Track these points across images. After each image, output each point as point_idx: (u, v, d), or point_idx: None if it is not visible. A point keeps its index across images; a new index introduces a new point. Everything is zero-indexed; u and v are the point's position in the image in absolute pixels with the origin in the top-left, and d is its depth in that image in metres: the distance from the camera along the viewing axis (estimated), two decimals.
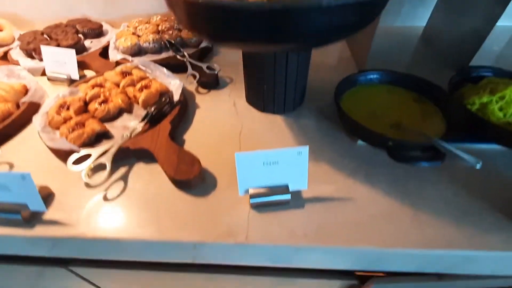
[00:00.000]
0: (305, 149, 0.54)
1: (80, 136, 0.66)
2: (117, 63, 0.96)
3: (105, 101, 0.77)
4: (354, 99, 0.75)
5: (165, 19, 1.14)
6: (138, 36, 1.03)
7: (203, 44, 1.03)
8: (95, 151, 0.63)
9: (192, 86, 0.90)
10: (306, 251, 0.53)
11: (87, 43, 1.08)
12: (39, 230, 0.55)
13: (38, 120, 0.72)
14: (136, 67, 0.90)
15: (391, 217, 0.55)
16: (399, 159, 0.58)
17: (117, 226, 0.55)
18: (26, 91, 0.85)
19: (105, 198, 0.60)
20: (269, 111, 0.79)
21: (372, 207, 0.57)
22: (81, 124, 0.70)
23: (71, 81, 0.93)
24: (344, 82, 0.75)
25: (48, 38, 1.06)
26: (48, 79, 0.93)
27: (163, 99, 0.76)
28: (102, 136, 0.70)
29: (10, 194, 0.54)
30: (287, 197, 0.56)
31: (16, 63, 0.99)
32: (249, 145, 0.70)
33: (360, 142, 0.69)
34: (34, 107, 0.81)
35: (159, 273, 0.73)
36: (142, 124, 0.70)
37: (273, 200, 0.56)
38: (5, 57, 1.05)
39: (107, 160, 0.62)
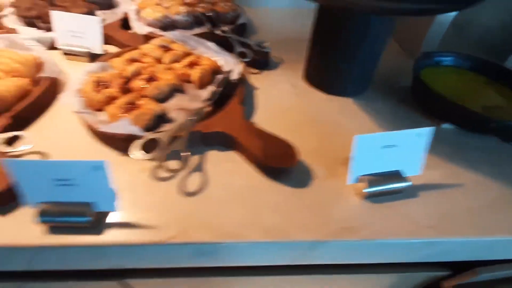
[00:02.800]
0: (425, 131, 0.48)
1: (140, 117, 0.54)
2: (146, 38, 0.82)
3: (151, 78, 0.64)
4: (429, 82, 0.70)
5: None
6: (165, 7, 0.89)
7: (241, 20, 0.92)
8: (161, 136, 0.52)
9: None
10: (435, 244, 0.47)
11: (99, 14, 0.92)
12: (108, 237, 0.43)
13: (71, 99, 0.58)
14: (175, 41, 0.77)
15: (503, 203, 0.52)
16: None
17: (210, 226, 0.45)
18: (38, 65, 0.69)
19: (184, 193, 0.49)
20: (335, 93, 0.72)
21: (483, 193, 0.53)
22: (132, 105, 0.57)
23: (92, 57, 0.77)
24: (421, 61, 0.71)
25: (50, 5, 0.88)
26: (64, 53, 0.77)
27: (224, 77, 0.65)
28: (159, 119, 0.58)
29: (73, 191, 0.41)
30: (406, 184, 0.49)
31: (10, 31, 0.80)
32: (327, 130, 0.63)
33: (445, 125, 0.64)
34: (54, 85, 0.66)
35: (253, 278, 0.59)
36: (206, 105, 0.59)
37: (389, 189, 0.49)
38: None
39: (180, 146, 0.51)
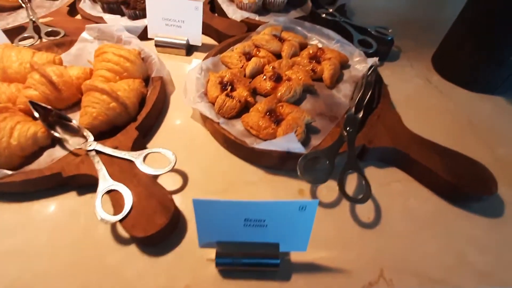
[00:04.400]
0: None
1: (292, 127, 0.45)
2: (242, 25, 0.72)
3: (275, 76, 0.54)
4: None
5: None
6: None
7: (341, 1, 0.80)
8: (324, 153, 0.43)
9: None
10: None
11: None
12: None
13: (200, 106, 0.49)
14: (283, 29, 0.67)
15: None
16: None
17: (408, 269, 0.37)
18: (143, 61, 0.60)
19: (361, 223, 0.41)
20: (482, 90, 0.61)
21: None
22: (274, 114, 0.48)
23: (188, 49, 0.68)
24: None
25: None
26: (156, 45, 0.67)
27: (365, 74, 0.55)
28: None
29: (263, 231, 0.34)
30: None
31: (92, 20, 0.71)
32: (494, 138, 0.52)
33: None
34: (164, 85, 0.57)
35: None
36: (355, 112, 0.50)
37: None
38: (70, 12, 0.76)
39: (352, 168, 0.42)
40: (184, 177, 0.45)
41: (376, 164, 0.48)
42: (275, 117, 0.48)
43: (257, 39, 0.61)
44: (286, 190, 0.44)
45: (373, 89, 0.53)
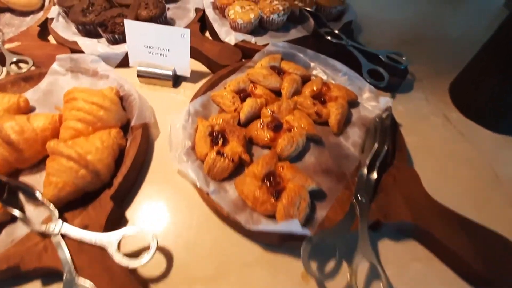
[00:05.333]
0: None
1: (294, 202, 0.38)
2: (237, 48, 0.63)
3: (274, 124, 0.47)
4: None
5: None
6: (253, 1, 0.69)
7: (348, 16, 0.71)
8: (328, 235, 0.36)
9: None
10: None
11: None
12: None
13: (187, 167, 0.42)
14: (282, 57, 0.58)
15: None
16: None
17: None
18: (120, 101, 0.52)
19: None
20: (509, 132, 0.54)
21: None
22: (274, 177, 0.41)
23: (176, 80, 0.60)
24: None
25: (108, 4, 0.68)
26: (138, 75, 0.59)
27: (377, 123, 0.48)
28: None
29: None
30: None
31: (65, 44, 0.62)
32: None
33: None
34: (146, 133, 0.50)
35: None
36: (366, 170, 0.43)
37: None
38: (41, 33, 0.67)
39: (365, 254, 0.36)
40: (168, 257, 0.39)
41: (391, 236, 0.41)
42: (274, 184, 0.40)
43: (253, 73, 0.53)
44: (287, 273, 0.38)
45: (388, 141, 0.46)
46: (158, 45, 0.57)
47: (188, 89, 0.59)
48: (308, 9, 0.67)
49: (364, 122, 0.51)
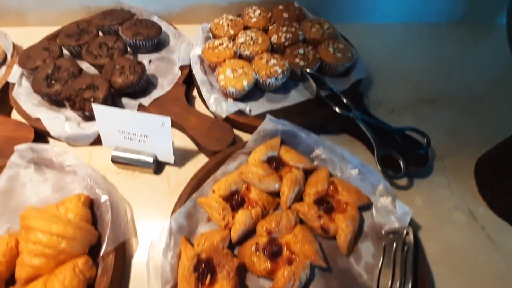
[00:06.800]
0: None
1: None
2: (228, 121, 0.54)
3: (272, 250, 0.39)
4: None
5: (281, 13, 0.66)
6: (247, 59, 0.59)
7: (358, 73, 0.61)
8: None
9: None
10: None
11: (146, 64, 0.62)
12: None
13: None
14: (282, 139, 0.50)
15: None
16: None
17: None
18: (91, 211, 0.44)
19: None
20: None
21: None
22: None
23: (158, 166, 0.52)
24: None
25: (77, 55, 0.58)
26: (113, 161, 0.51)
27: (396, 244, 0.40)
28: None
29: None
30: None
31: (28, 121, 0.53)
32: None
33: None
34: (122, 256, 0.42)
35: None
36: None
37: None
38: (3, 98, 0.58)
39: None
40: None
41: None
42: None
43: (247, 174, 0.44)
44: None
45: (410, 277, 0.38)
46: (134, 131, 0.48)
47: (173, 176, 0.51)
48: (309, 71, 0.57)
49: (378, 234, 0.43)
